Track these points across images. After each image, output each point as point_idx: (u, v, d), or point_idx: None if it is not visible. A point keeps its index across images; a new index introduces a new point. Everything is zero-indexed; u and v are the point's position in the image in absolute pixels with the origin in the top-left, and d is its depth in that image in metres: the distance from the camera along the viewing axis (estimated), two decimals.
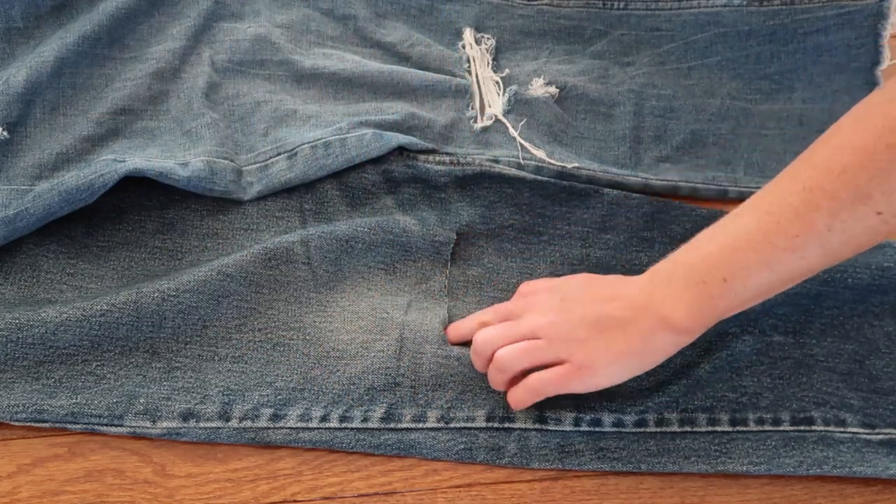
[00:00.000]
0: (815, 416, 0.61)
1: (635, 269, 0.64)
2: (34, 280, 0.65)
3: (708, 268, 0.52)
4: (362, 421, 0.61)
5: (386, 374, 0.63)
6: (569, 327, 0.56)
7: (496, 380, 0.59)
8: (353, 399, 0.62)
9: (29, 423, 0.60)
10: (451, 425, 0.61)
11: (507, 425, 0.61)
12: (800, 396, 0.62)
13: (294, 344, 0.64)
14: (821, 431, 0.61)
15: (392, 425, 0.61)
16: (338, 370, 0.63)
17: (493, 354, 0.58)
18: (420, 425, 0.61)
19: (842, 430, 0.61)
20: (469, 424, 0.61)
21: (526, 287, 0.63)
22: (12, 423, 0.60)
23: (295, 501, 0.58)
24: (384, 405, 0.62)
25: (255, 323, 0.64)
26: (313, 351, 0.64)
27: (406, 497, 0.59)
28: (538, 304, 0.59)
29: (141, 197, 0.68)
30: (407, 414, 0.61)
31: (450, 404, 0.62)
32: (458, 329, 0.64)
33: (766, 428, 0.61)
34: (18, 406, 0.60)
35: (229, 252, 0.66)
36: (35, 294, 0.64)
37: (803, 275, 0.52)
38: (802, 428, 0.61)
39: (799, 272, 0.52)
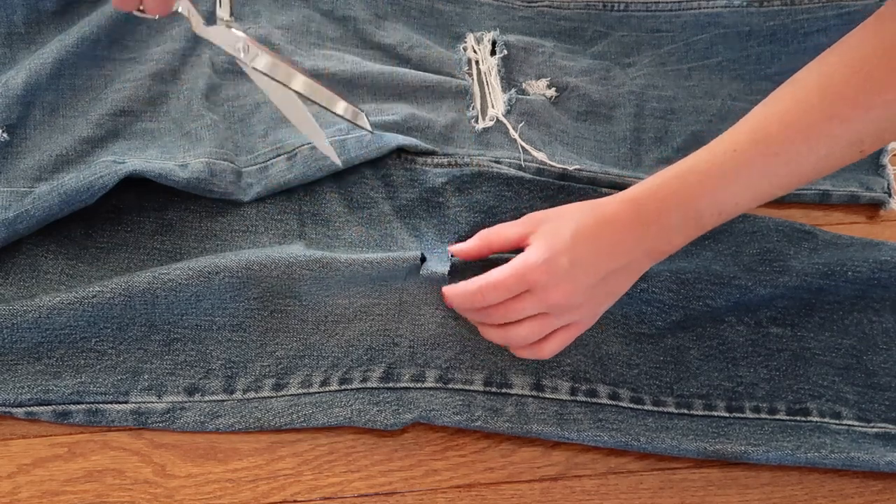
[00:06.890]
0: (810, 408, 0.62)
1: None
2: (34, 281, 0.65)
3: (705, 205, 0.55)
4: (361, 381, 0.62)
5: (385, 335, 0.64)
6: (578, 299, 0.56)
7: (499, 343, 0.60)
8: (352, 360, 0.63)
9: (35, 406, 0.60)
10: (450, 386, 0.62)
11: (504, 391, 0.62)
12: (795, 389, 0.63)
13: (291, 310, 0.64)
14: (816, 422, 0.62)
15: (391, 384, 0.62)
16: (336, 333, 0.64)
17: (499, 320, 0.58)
18: (418, 385, 0.62)
19: (837, 422, 0.62)
20: (467, 387, 0.62)
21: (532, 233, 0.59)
22: (19, 407, 0.60)
23: (295, 501, 0.58)
24: (383, 365, 0.63)
25: (250, 293, 0.64)
26: (311, 316, 0.64)
27: (406, 497, 0.59)
28: (549, 274, 0.56)
29: (140, 198, 0.68)
30: (406, 374, 0.62)
31: (448, 364, 0.63)
32: (458, 292, 0.60)
33: (763, 416, 0.62)
34: (24, 387, 0.60)
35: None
36: (35, 294, 0.64)
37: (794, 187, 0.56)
38: (798, 418, 0.62)
39: (790, 185, 0.55)
